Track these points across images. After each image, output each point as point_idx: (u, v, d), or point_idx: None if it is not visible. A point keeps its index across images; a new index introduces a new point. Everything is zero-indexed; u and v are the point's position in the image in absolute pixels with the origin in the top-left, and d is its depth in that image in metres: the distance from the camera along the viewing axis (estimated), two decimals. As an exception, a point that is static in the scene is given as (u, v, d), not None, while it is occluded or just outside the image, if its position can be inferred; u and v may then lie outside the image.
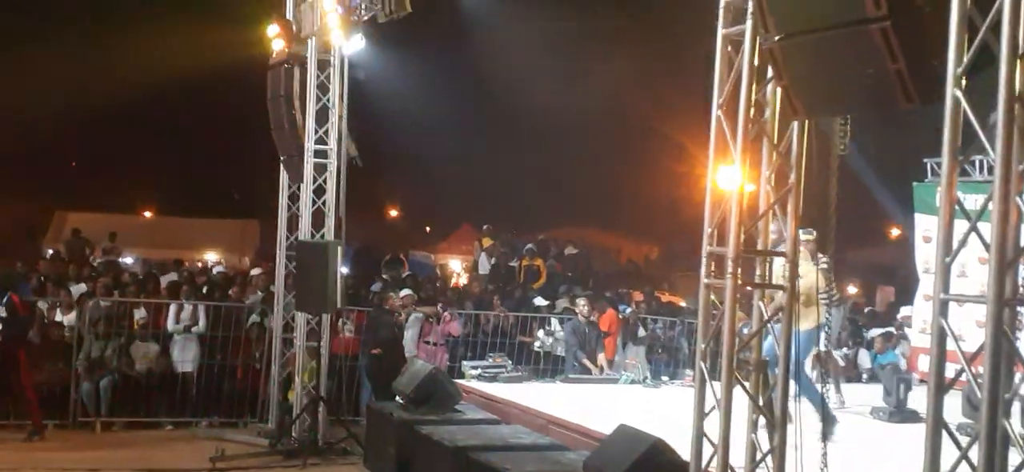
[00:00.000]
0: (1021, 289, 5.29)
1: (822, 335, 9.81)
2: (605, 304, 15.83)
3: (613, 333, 15.33)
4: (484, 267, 20.30)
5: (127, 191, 34.63)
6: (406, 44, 17.49)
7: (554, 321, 15.59)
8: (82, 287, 14.92)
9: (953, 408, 6.04)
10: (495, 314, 15.65)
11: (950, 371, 5.40)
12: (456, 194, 33.00)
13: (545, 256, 19.95)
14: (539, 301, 16.70)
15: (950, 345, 5.20)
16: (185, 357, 13.88)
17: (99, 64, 28.61)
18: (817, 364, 10.56)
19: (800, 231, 10.71)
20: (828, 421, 8.91)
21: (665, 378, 14.06)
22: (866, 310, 19.32)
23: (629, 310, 16.36)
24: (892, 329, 16.01)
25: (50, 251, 23.04)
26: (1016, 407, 6.57)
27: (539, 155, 32.59)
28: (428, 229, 36.78)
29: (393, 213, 40.27)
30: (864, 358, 15.45)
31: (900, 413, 11.13)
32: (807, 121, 6.51)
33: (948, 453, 5.13)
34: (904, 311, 16.46)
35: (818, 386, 8.13)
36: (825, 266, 10.42)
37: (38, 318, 13.67)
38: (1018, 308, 5.26)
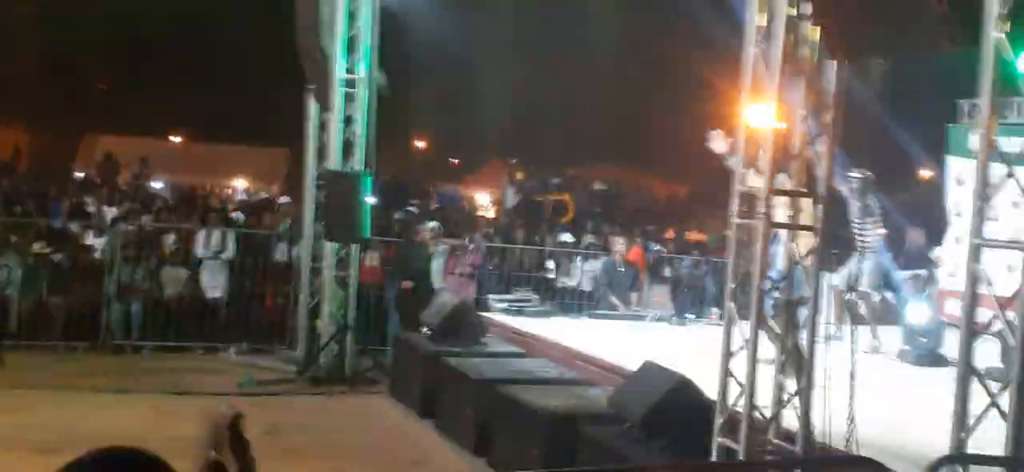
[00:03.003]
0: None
1: (846, 277, 9.76)
2: (632, 241, 15.80)
3: (640, 270, 15.31)
4: (511, 201, 20.28)
5: (157, 115, 34.69)
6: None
7: (581, 257, 15.58)
8: (113, 211, 15.03)
9: (981, 354, 6.00)
10: (521, 248, 15.64)
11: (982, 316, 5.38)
12: (485, 127, 32.86)
13: (572, 191, 19.91)
14: (566, 237, 16.68)
15: (983, 290, 5.17)
16: (214, 283, 13.99)
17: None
18: (843, 307, 10.56)
19: (854, 170, 10.72)
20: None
21: (691, 316, 14.04)
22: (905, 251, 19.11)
23: (656, 248, 16.31)
24: (922, 271, 15.88)
25: (82, 175, 23.22)
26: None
27: (570, 90, 32.35)
28: (456, 161, 36.70)
29: (421, 145, 40.20)
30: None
31: (929, 357, 11.06)
32: (846, 61, 6.42)
33: (978, 399, 5.12)
34: (936, 251, 16.28)
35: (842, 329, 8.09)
36: (872, 205, 10.37)
37: (70, 241, 13.81)
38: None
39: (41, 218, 14.64)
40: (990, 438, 5.11)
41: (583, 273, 15.32)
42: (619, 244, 14.56)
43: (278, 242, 14.53)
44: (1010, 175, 5.17)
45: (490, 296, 13.74)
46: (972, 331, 5.19)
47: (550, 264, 15.60)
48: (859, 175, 10.69)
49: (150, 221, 14.54)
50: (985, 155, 5.25)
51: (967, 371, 5.12)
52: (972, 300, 5.20)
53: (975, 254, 5.22)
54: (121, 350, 13.30)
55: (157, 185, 22.91)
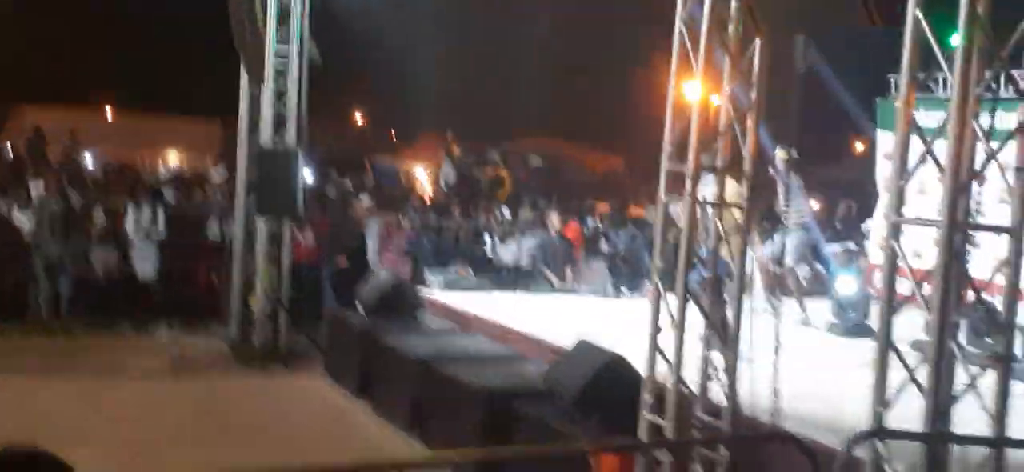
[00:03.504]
0: (974, 212, 5.33)
1: (772, 252, 9.90)
2: (568, 216, 15.85)
3: (576, 245, 15.37)
4: (449, 176, 20.23)
5: (88, 85, 34.00)
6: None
7: (517, 232, 15.59)
8: (40, 186, 14.70)
9: (907, 324, 6.11)
10: (458, 224, 15.62)
11: (905, 289, 5.47)
12: (422, 101, 32.69)
13: (509, 166, 19.91)
14: (504, 211, 16.69)
15: (902, 264, 5.25)
16: (145, 262, 13.77)
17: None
18: (768, 282, 10.72)
19: (778, 147, 10.85)
20: None
21: (625, 290, 14.13)
22: (835, 225, 19.40)
23: (592, 223, 16.38)
24: (851, 244, 16.14)
25: (9, 147, 22.70)
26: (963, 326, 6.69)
27: (506, 63, 32.27)
28: (392, 135, 36.49)
29: (358, 119, 39.88)
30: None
31: (856, 328, 11.26)
32: (769, 38, 6.47)
33: (898, 371, 5.21)
34: (866, 224, 16.57)
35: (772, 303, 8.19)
36: (795, 186, 10.50)
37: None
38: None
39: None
40: (912, 413, 5.21)
41: (521, 249, 15.34)
42: (554, 219, 14.60)
43: (209, 218, 14.33)
44: (928, 151, 5.25)
45: (426, 272, 13.71)
46: (892, 306, 5.28)
47: (487, 239, 15.59)
48: (783, 152, 10.81)
49: (78, 198, 14.22)
50: (904, 132, 5.32)
51: (886, 346, 5.20)
52: (891, 275, 5.28)
53: (894, 232, 5.30)
54: (51, 331, 13.05)
55: (88, 158, 22.49)
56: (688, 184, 6.47)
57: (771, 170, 10.79)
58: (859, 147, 26.56)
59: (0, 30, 31.38)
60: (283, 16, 12.67)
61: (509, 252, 15.32)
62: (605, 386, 7.56)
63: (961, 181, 4.99)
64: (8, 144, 23.68)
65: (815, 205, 20.80)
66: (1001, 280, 5.25)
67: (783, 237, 10.37)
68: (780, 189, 11.16)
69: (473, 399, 8.46)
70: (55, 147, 21.57)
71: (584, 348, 8.20)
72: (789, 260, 11.37)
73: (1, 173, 16.70)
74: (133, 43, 33.96)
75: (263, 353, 12.12)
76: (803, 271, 14.93)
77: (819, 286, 15.43)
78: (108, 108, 34.49)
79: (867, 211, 16.98)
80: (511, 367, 9.42)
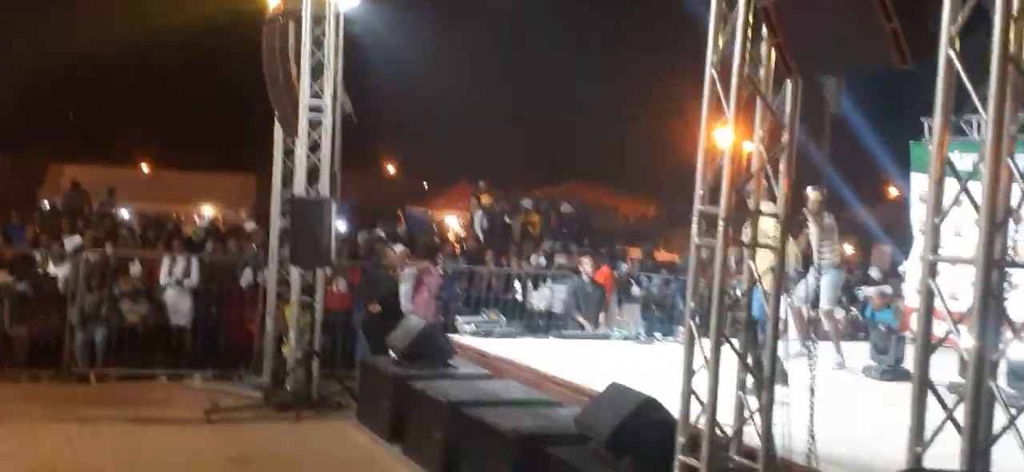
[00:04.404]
0: (1010, 251, 5.28)
1: (806, 295, 9.84)
2: (600, 261, 15.85)
3: (608, 290, 15.35)
4: (481, 223, 20.30)
5: (125, 143, 34.56)
6: (402, -1, 17.39)
7: (549, 279, 15.59)
8: (77, 240, 14.90)
9: (945, 366, 6.05)
10: (489, 270, 15.64)
11: (941, 330, 5.41)
12: (454, 150, 32.91)
13: (541, 212, 19.97)
14: (536, 258, 16.71)
15: (939, 305, 5.21)
16: (179, 310, 13.89)
17: (99, 14, 28.43)
18: (802, 325, 10.64)
19: (809, 188, 10.83)
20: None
21: (658, 335, 14.08)
22: (870, 271, 19.31)
23: (624, 267, 16.36)
24: (888, 288, 16.04)
25: (46, 203, 23.04)
26: (1003, 367, 6.61)
27: (538, 112, 32.47)
28: (425, 185, 36.72)
29: (391, 169, 40.18)
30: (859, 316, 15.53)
31: (892, 371, 11.15)
32: (801, 80, 6.47)
33: (936, 412, 5.15)
34: (903, 266, 16.46)
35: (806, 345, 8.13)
36: (830, 223, 10.45)
37: (31, 270, 13.70)
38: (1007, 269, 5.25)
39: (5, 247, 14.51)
40: (950, 453, 5.14)
41: (553, 294, 15.34)
42: (586, 264, 14.60)
43: (244, 267, 14.45)
44: (963, 189, 5.22)
45: (458, 318, 13.73)
46: (928, 346, 5.23)
47: (518, 285, 15.60)
48: (815, 193, 10.79)
49: (113, 250, 14.37)
50: (939, 172, 5.30)
51: (923, 386, 5.15)
52: (928, 316, 5.23)
53: (931, 270, 5.26)
54: (85, 379, 13.17)
55: (124, 213, 22.76)
56: (720, 226, 6.46)
57: (803, 211, 10.77)
58: (893, 191, 26.44)
59: (39, 90, 32.01)
60: (317, 70, 12.84)
61: (541, 298, 15.32)
62: (637, 428, 7.49)
63: (997, 220, 4.95)
64: (45, 200, 24.06)
65: (849, 249, 20.76)
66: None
67: (817, 279, 10.28)
68: (813, 230, 11.13)
69: (505, 443, 8.41)
70: (92, 201, 21.89)
71: (616, 390, 8.15)
72: (824, 302, 11.29)
73: (40, 227, 16.93)
74: (170, 103, 34.52)
75: (296, 400, 12.14)
76: (839, 313, 14.84)
77: (855, 329, 15.36)
78: (144, 164, 34.98)
79: (903, 256, 16.89)
80: (543, 411, 9.37)
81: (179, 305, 13.90)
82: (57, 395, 12.33)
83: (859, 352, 12.47)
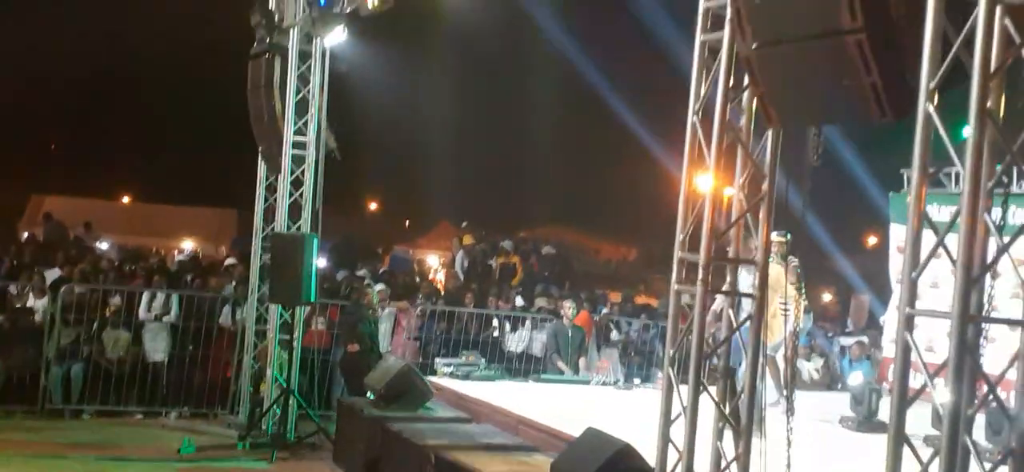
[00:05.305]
0: (987, 305, 5.31)
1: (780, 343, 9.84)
2: (579, 305, 15.83)
3: (588, 334, 15.33)
4: (461, 264, 20.28)
5: (105, 176, 34.47)
6: (388, 38, 17.43)
7: (528, 321, 15.58)
8: (56, 272, 14.79)
9: (921, 418, 6.06)
10: (469, 311, 15.60)
11: (918, 382, 5.42)
12: (436, 190, 32.96)
13: (521, 254, 19.96)
14: (518, 300, 16.68)
15: (915, 358, 5.22)
16: (156, 346, 13.78)
17: (78, 48, 28.44)
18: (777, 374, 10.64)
19: (774, 233, 10.78)
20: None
21: (637, 381, 14.06)
22: (848, 325, 19.35)
23: (604, 311, 16.36)
24: (865, 338, 16.09)
25: (25, 235, 22.87)
26: (980, 420, 6.62)
27: (520, 153, 32.59)
28: (407, 224, 36.73)
29: (372, 207, 40.19)
30: (837, 366, 15.55)
31: (868, 423, 11.16)
32: (781, 130, 6.52)
33: (911, 466, 5.14)
34: (882, 318, 16.54)
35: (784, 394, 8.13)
36: (796, 269, 10.39)
37: (9, 303, 13.59)
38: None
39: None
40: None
41: (532, 337, 15.32)
42: (567, 307, 14.59)
43: (223, 305, 14.37)
44: (940, 243, 5.24)
45: (437, 359, 13.67)
46: (905, 399, 5.23)
47: (498, 327, 15.57)
48: (779, 236, 10.54)
49: (93, 283, 14.27)
50: (917, 225, 5.32)
51: (899, 438, 5.15)
52: (904, 368, 5.24)
53: (908, 324, 5.27)
54: (60, 414, 13.02)
55: (103, 246, 22.65)
56: (700, 273, 6.47)
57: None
58: (872, 240, 26.58)
59: (21, 123, 31.93)
60: (301, 106, 12.84)
61: (520, 340, 15.30)
62: (614, 476, 7.47)
63: (973, 274, 4.97)
64: (24, 233, 23.89)
65: (827, 297, 20.82)
66: (1014, 374, 5.21)
67: (795, 326, 10.26)
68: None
69: (481, 489, 8.37)
70: (71, 234, 21.75)
71: (592, 436, 8.12)
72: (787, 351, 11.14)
73: (17, 259, 16.80)
74: (151, 137, 34.49)
75: (272, 440, 12.05)
76: (818, 362, 14.84)
77: (833, 380, 15.38)
78: (125, 197, 34.89)
79: (881, 306, 16.97)
80: (519, 456, 9.33)
81: (157, 341, 13.79)
82: (29, 430, 12.19)
83: (836, 403, 12.50)
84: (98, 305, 13.68)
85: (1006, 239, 5.07)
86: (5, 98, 29.29)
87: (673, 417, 6.67)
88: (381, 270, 17.81)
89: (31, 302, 13.85)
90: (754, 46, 5.96)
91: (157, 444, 11.77)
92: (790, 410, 6.98)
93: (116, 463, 10.89)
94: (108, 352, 13.48)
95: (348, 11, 12.18)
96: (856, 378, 11.95)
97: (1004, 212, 5.29)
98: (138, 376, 13.52)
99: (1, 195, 30.00)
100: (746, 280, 7.10)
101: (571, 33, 26.95)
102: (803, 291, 10.51)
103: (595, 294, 18.25)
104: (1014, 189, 10.42)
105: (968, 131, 5.03)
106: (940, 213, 7.72)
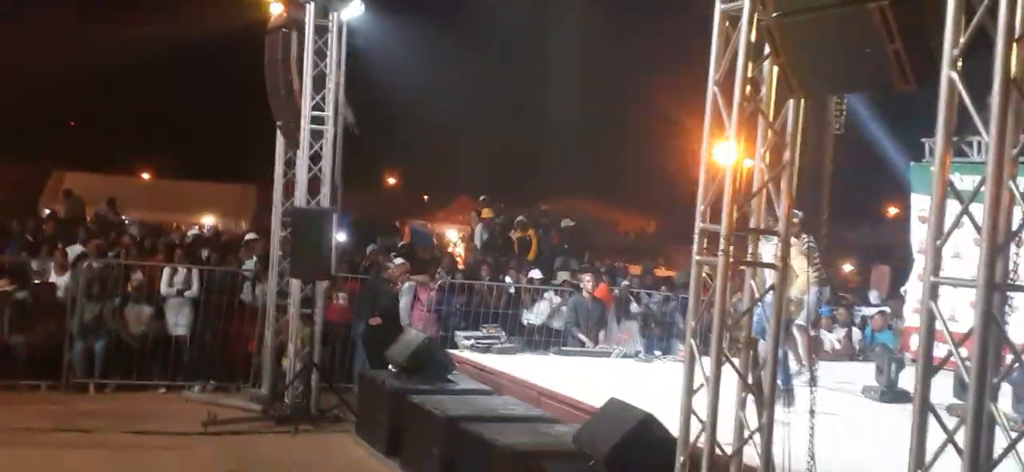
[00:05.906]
0: (1011, 273, 5.26)
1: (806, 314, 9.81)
2: (598, 278, 15.82)
3: (607, 307, 15.33)
4: (480, 238, 20.28)
5: (126, 152, 34.61)
6: (405, 12, 17.40)
7: (549, 294, 15.57)
8: (77, 248, 14.88)
9: (944, 388, 6.03)
10: (488, 284, 15.60)
11: (941, 352, 5.39)
12: (454, 164, 32.96)
13: (536, 227, 19.92)
14: (535, 274, 16.69)
15: (939, 327, 5.19)
16: (178, 321, 13.86)
17: (100, 25, 28.51)
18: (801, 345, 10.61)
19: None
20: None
21: (658, 353, 14.07)
22: (869, 294, 19.27)
23: (624, 284, 16.34)
24: (887, 308, 16.04)
25: (47, 211, 23.02)
26: (1006, 390, 6.59)
27: (539, 126, 32.50)
28: (426, 198, 36.75)
29: (391, 181, 40.23)
30: (857, 336, 15.51)
31: (891, 393, 11.14)
32: (803, 99, 6.47)
33: (936, 435, 5.13)
34: (904, 287, 16.46)
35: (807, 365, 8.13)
36: (808, 246, 10.36)
37: (30, 278, 13.68)
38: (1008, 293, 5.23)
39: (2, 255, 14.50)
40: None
41: (554, 310, 15.31)
42: (586, 281, 14.59)
43: (245, 283, 14.42)
44: (965, 211, 5.20)
45: (457, 332, 13.71)
46: (929, 368, 5.21)
47: (518, 301, 15.57)
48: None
49: (115, 258, 14.35)
50: (941, 194, 5.28)
51: (924, 408, 5.13)
52: (929, 338, 5.21)
53: (932, 292, 5.24)
54: (83, 389, 13.12)
55: (125, 221, 22.76)
56: (722, 244, 6.44)
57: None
58: (892, 211, 26.46)
59: (41, 100, 32.05)
60: (319, 81, 12.83)
61: (540, 313, 15.30)
62: (636, 446, 7.46)
63: (998, 242, 4.93)
64: (45, 209, 24.05)
65: (847, 267, 20.74)
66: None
67: (819, 296, 10.22)
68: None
69: (502, 459, 8.38)
70: (92, 210, 21.89)
71: (615, 407, 8.12)
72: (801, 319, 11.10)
73: (40, 235, 16.91)
74: (171, 113, 34.59)
75: (294, 413, 12.11)
76: (840, 333, 14.79)
77: (855, 350, 15.34)
78: (145, 173, 35.03)
79: (902, 276, 16.88)
80: (541, 427, 9.35)
81: (179, 316, 13.87)
82: (53, 405, 12.28)
83: (858, 373, 12.48)
84: (120, 280, 13.77)
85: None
86: (27, 75, 29.41)
87: (695, 388, 6.66)
88: (400, 244, 17.80)
89: (53, 277, 13.94)
90: (775, 15, 5.92)
91: (181, 418, 11.84)
92: (813, 381, 6.96)
93: (141, 436, 10.96)
94: (131, 327, 13.57)
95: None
96: (884, 349, 11.87)
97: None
98: (160, 351, 13.61)
99: (24, 171, 30.18)
100: (767, 250, 7.05)
101: (591, 2, 26.83)
102: (816, 264, 10.47)
103: (614, 267, 18.22)
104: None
105: (993, 98, 4.98)
106: (962, 182, 7.65)
